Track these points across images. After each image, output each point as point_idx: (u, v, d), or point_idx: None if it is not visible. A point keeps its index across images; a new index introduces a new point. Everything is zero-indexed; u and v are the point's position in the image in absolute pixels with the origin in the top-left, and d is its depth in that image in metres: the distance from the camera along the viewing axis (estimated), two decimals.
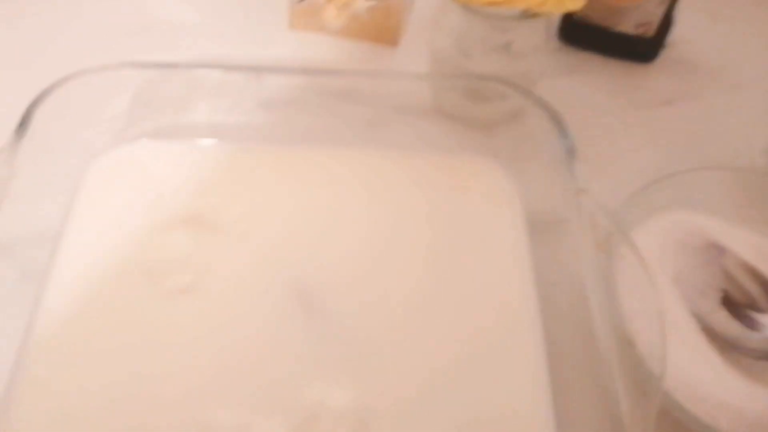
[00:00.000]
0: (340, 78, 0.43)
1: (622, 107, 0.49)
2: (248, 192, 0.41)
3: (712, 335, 0.37)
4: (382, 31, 0.51)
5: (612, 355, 0.33)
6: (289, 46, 0.52)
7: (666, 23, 0.50)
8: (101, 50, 0.50)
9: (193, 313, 0.36)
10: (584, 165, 0.38)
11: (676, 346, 0.35)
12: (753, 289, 0.38)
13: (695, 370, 0.35)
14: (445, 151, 0.44)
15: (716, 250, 0.40)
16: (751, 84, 0.51)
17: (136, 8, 0.53)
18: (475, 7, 0.41)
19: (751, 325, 0.37)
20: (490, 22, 0.42)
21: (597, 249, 0.35)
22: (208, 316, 0.36)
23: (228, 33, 0.52)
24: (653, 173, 0.41)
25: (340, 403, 0.34)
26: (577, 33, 0.51)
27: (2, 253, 0.36)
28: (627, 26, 0.49)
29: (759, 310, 0.38)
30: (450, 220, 0.40)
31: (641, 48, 0.51)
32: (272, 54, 0.51)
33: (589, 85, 0.50)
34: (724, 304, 0.38)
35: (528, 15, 0.42)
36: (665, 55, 0.52)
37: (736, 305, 0.38)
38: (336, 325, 0.36)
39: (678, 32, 0.51)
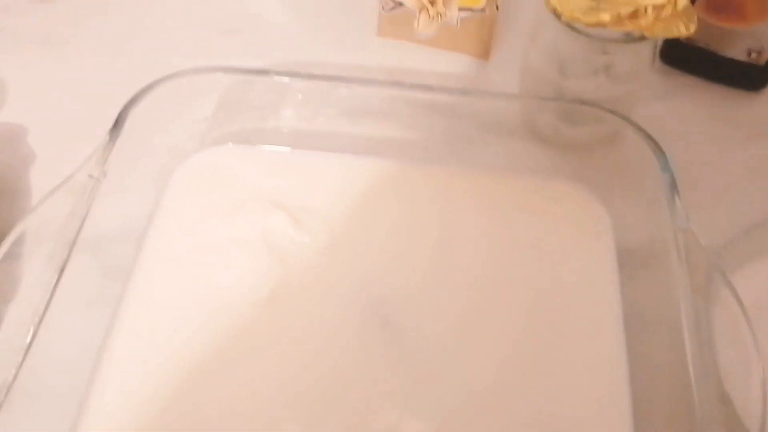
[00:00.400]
0: (429, 93, 0.42)
1: (726, 137, 0.45)
2: (332, 202, 0.40)
3: None
4: (473, 42, 0.50)
5: (705, 409, 0.31)
6: (377, 53, 0.51)
7: None
8: (193, 48, 0.51)
9: (271, 324, 0.35)
10: (684, 199, 0.36)
11: None
12: None
13: None
14: (535, 174, 0.42)
15: None
16: None
17: (230, 6, 0.53)
18: (577, 26, 0.39)
19: None
20: (591, 42, 0.40)
21: (694, 292, 0.33)
22: (286, 328, 0.35)
23: (317, 37, 0.52)
24: (759, 213, 0.39)
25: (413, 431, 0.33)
26: (682, 55, 0.48)
27: (88, 249, 0.36)
28: (737, 52, 0.46)
29: None
30: (538, 246, 0.39)
31: (751, 75, 0.47)
32: (359, 60, 0.51)
33: (692, 112, 0.47)
34: None
35: (633, 38, 0.39)
36: None
37: None
38: (415, 348, 0.35)
39: None
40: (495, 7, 0.48)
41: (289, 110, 0.43)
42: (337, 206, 0.40)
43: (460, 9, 0.48)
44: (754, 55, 0.46)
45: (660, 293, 0.35)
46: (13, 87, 0.47)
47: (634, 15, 0.38)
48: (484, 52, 0.50)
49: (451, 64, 0.51)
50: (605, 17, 0.38)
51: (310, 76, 0.41)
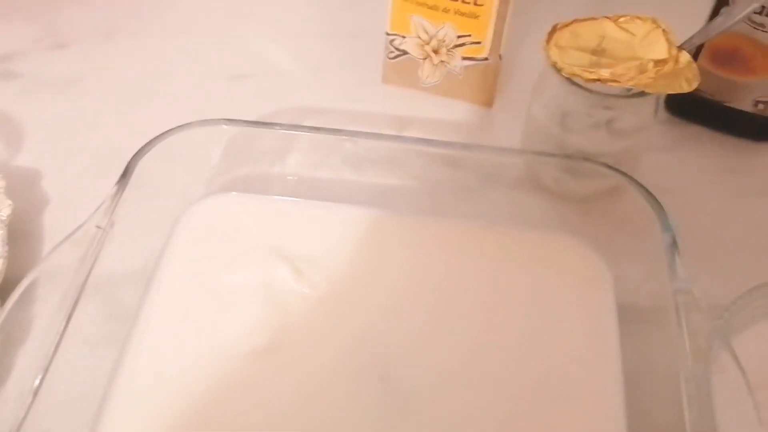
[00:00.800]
0: (431, 147, 0.43)
1: (731, 191, 0.45)
2: (334, 253, 0.41)
3: None
4: (477, 90, 0.51)
5: None
6: (382, 100, 0.52)
7: None
8: (202, 92, 0.52)
9: (270, 375, 0.36)
10: (685, 257, 0.36)
11: None
12: None
13: None
14: (537, 226, 0.42)
15: None
16: None
17: (238, 54, 0.55)
18: (578, 81, 0.40)
19: None
20: (592, 97, 0.40)
21: (694, 355, 0.33)
22: (285, 379, 0.36)
23: (323, 83, 0.53)
24: (763, 273, 0.38)
25: None
26: (687, 106, 0.49)
27: (97, 293, 0.37)
28: (744, 103, 0.46)
29: None
30: (538, 299, 0.39)
31: (757, 127, 0.47)
32: (364, 107, 0.51)
33: (696, 164, 0.47)
34: None
35: (635, 93, 0.40)
36: None
37: None
38: (413, 402, 0.35)
39: None
40: (498, 57, 0.49)
41: (293, 159, 0.44)
42: (339, 257, 0.41)
43: (464, 58, 0.49)
44: (760, 107, 0.46)
45: (660, 351, 0.35)
46: (29, 131, 0.48)
47: (636, 71, 0.38)
48: (488, 100, 0.51)
49: (455, 111, 0.51)
50: (605, 74, 0.39)
51: (315, 129, 0.42)
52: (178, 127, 0.40)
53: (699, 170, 0.47)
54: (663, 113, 0.49)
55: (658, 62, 0.39)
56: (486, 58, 0.48)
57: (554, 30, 0.42)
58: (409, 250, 0.41)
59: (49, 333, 0.34)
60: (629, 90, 0.40)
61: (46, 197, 0.45)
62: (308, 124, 0.49)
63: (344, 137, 0.42)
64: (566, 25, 0.42)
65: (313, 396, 0.35)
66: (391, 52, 0.51)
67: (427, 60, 0.50)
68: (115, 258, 0.37)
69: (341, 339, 0.37)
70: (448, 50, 0.49)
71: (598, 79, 0.39)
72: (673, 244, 0.35)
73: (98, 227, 0.35)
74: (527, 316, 0.38)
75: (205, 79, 0.53)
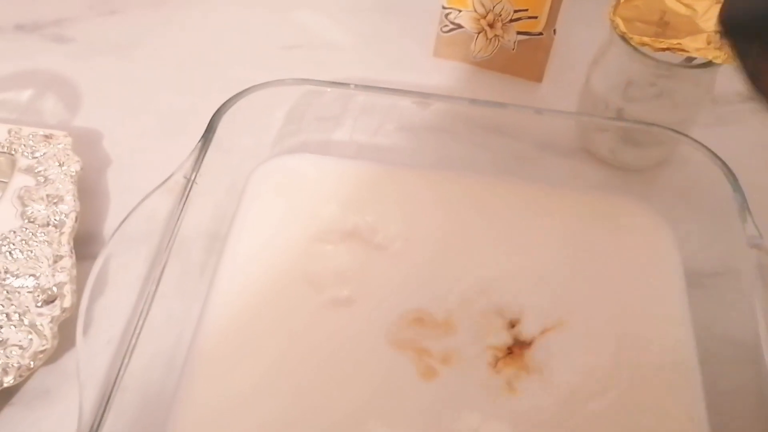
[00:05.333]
0: (495, 109, 0.43)
1: None
2: (402, 212, 0.41)
3: None
4: (527, 65, 0.52)
5: None
6: (433, 74, 0.53)
7: None
8: (258, 61, 0.52)
9: (351, 325, 0.36)
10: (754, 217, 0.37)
11: None
12: None
13: None
14: (597, 191, 0.43)
15: None
16: None
17: (289, 25, 0.55)
18: (645, 50, 0.41)
19: None
20: (659, 67, 0.41)
21: None
22: (366, 330, 0.36)
23: (372, 55, 0.54)
24: None
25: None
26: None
27: (174, 250, 0.37)
28: None
29: None
30: (602, 263, 0.40)
31: None
32: (414, 80, 0.52)
33: (745, 134, 0.49)
34: None
35: (699, 63, 0.41)
36: None
37: None
38: None
39: None
40: (552, 32, 0.50)
41: (355, 123, 0.45)
42: (409, 216, 0.41)
43: (518, 32, 0.50)
44: None
45: (732, 313, 0.36)
46: (86, 94, 0.48)
47: (704, 42, 0.40)
48: (538, 75, 0.52)
49: (504, 85, 0.52)
50: (675, 42, 0.40)
51: (387, 91, 0.42)
52: (260, 85, 0.40)
53: (746, 145, 0.48)
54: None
55: None
56: (541, 33, 0.49)
57: (618, 2, 0.43)
58: (474, 212, 0.42)
59: (132, 285, 0.34)
60: (691, 61, 0.42)
61: (108, 157, 0.45)
62: (364, 95, 0.50)
63: (413, 99, 0.43)
64: (629, 0, 0.43)
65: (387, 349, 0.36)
66: (446, 25, 0.51)
67: (481, 34, 0.51)
68: (188, 216, 0.38)
69: (417, 296, 0.38)
70: (504, 24, 0.50)
71: (668, 48, 0.40)
72: (744, 204, 0.37)
73: (185, 178, 0.36)
74: (594, 279, 0.39)
75: (257, 47, 0.53)
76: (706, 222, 0.40)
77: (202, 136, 0.37)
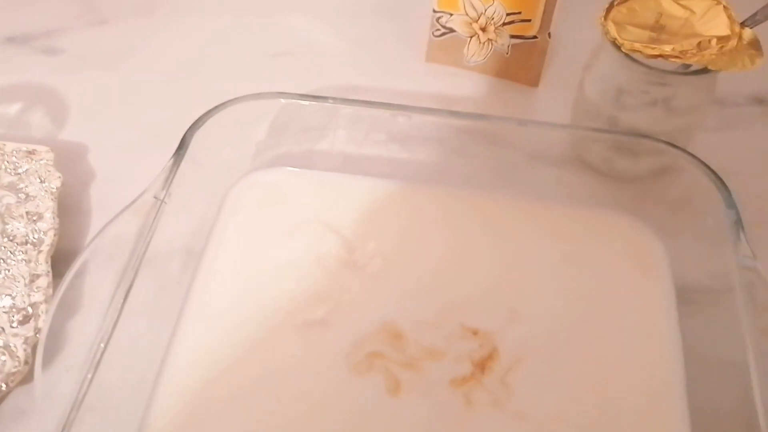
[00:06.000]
0: (480, 121, 0.42)
1: None
2: (381, 228, 0.40)
3: None
4: (522, 70, 0.50)
5: None
6: (425, 79, 0.51)
7: None
8: (245, 69, 0.51)
9: (325, 347, 0.36)
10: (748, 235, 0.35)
11: None
12: None
13: None
14: (587, 204, 0.42)
15: None
16: None
17: (281, 31, 0.54)
18: (636, 57, 0.39)
19: None
20: (650, 74, 0.40)
21: (762, 334, 0.32)
22: (339, 351, 0.36)
23: (364, 61, 0.53)
24: None
25: None
26: None
27: (148, 265, 0.36)
28: None
29: None
30: (590, 278, 0.39)
31: None
32: (407, 86, 0.51)
33: (749, 144, 0.46)
34: None
35: (694, 70, 0.39)
36: None
37: None
38: None
39: None
40: (547, 35, 0.48)
41: (338, 134, 0.44)
42: (388, 231, 0.40)
43: (512, 36, 0.48)
44: None
45: (723, 333, 0.34)
46: (74, 106, 0.48)
47: (698, 47, 0.38)
48: (534, 80, 0.51)
49: (500, 90, 0.51)
50: (667, 49, 0.38)
51: (367, 104, 0.41)
52: (234, 99, 0.40)
53: (754, 151, 0.46)
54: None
55: (721, 39, 0.38)
56: (535, 37, 0.48)
57: (611, 6, 0.41)
58: (459, 227, 0.41)
59: (104, 304, 0.34)
60: (688, 67, 0.40)
61: (92, 171, 0.45)
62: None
63: (394, 111, 0.42)
64: (623, 2, 0.41)
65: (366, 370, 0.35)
66: (437, 29, 0.50)
67: (473, 38, 0.49)
68: (163, 231, 0.37)
69: (393, 314, 0.37)
70: (496, 28, 0.48)
71: (660, 55, 0.38)
72: (738, 221, 0.35)
73: (156, 198, 0.35)
74: (581, 295, 0.38)
75: (246, 56, 0.52)
76: (698, 237, 0.38)
77: (174, 154, 0.37)
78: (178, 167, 0.36)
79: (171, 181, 0.36)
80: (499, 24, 0.48)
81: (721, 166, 0.40)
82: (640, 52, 0.39)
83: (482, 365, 0.35)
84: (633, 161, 0.43)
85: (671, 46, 0.38)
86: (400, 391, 0.34)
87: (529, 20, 0.47)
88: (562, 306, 0.38)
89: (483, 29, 0.49)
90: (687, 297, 0.37)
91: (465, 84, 0.51)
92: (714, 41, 0.38)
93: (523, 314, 0.37)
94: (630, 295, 0.38)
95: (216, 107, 0.39)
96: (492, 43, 0.49)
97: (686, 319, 0.37)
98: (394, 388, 0.34)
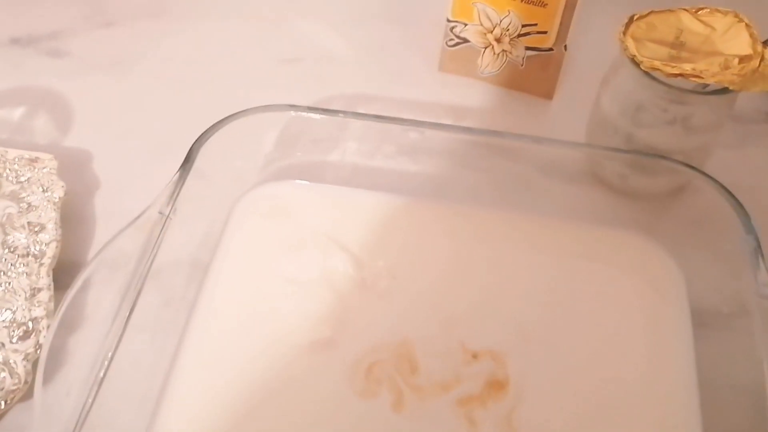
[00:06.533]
0: (493, 138, 0.41)
1: None
2: (391, 245, 0.40)
3: None
4: (537, 82, 0.49)
5: None
6: (438, 89, 0.50)
7: None
8: (255, 75, 0.50)
9: (331, 367, 0.35)
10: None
11: None
12: None
13: None
14: (601, 223, 0.41)
15: None
16: None
17: (290, 38, 0.53)
18: (655, 75, 0.38)
19: None
20: (669, 92, 0.39)
21: None
22: (346, 372, 0.35)
23: (377, 69, 0.52)
24: None
25: None
26: None
27: (152, 279, 0.36)
28: None
29: None
30: (603, 300, 0.38)
31: None
32: (419, 95, 0.50)
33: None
34: None
35: (714, 89, 0.38)
36: None
37: None
38: None
39: None
40: (563, 48, 0.47)
41: (348, 146, 0.43)
42: (397, 248, 0.40)
43: (527, 48, 0.47)
44: None
45: (738, 358, 0.34)
46: (79, 111, 0.47)
47: (719, 67, 0.37)
48: (548, 92, 0.50)
49: (513, 102, 0.50)
50: (687, 69, 0.37)
51: (376, 118, 0.40)
52: (241, 112, 0.39)
53: None
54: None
55: (743, 58, 0.37)
56: (551, 49, 0.47)
57: (631, 21, 0.40)
58: (467, 243, 0.40)
59: (107, 320, 0.33)
60: (707, 85, 0.39)
61: (98, 179, 0.44)
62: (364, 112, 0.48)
63: (405, 126, 0.41)
64: (643, 17, 0.40)
65: (375, 388, 0.34)
66: (451, 39, 0.49)
67: (488, 49, 0.48)
68: (169, 245, 0.37)
69: (404, 333, 0.36)
70: (512, 39, 0.47)
71: (680, 74, 0.37)
72: (757, 248, 0.34)
73: (161, 213, 0.34)
74: (593, 318, 0.37)
75: (256, 62, 0.51)
76: (715, 260, 0.37)
77: (180, 168, 0.36)
78: (183, 182, 0.35)
79: (176, 196, 0.35)
80: (514, 35, 0.47)
81: (738, 184, 0.39)
82: (660, 70, 0.37)
83: (490, 387, 0.34)
84: (649, 180, 0.42)
85: (692, 66, 0.37)
86: (404, 408, 0.33)
87: (545, 32, 0.46)
88: (573, 326, 0.37)
89: (498, 40, 0.48)
90: (702, 320, 0.37)
91: (478, 95, 0.50)
92: (735, 61, 0.37)
93: (533, 335, 0.36)
94: (644, 317, 0.37)
95: (224, 119, 0.38)
96: (507, 55, 0.48)
97: (701, 342, 0.36)
98: (398, 404, 0.34)
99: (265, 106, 0.39)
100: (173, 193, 0.35)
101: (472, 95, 0.50)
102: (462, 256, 0.40)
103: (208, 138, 0.37)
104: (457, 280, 0.38)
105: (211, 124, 0.39)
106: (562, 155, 0.43)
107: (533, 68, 0.48)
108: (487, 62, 0.49)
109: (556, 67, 0.48)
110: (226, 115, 0.40)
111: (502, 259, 0.39)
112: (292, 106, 0.40)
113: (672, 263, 0.38)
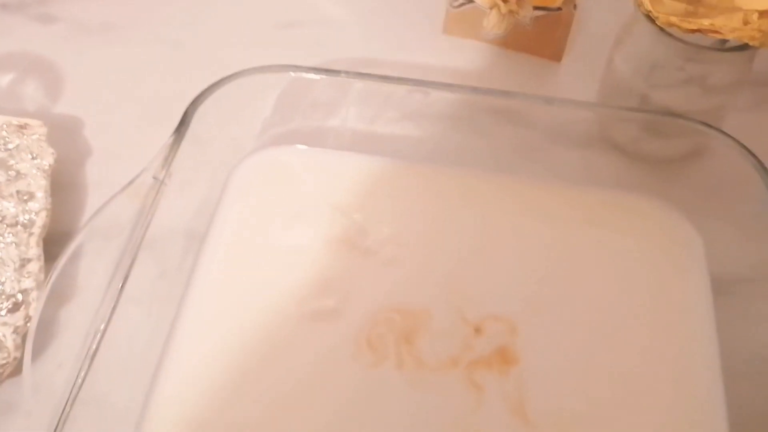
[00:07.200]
0: (502, 98, 0.39)
1: None
2: (396, 212, 0.38)
3: None
4: (545, 43, 0.47)
5: None
6: (442, 53, 0.49)
7: None
8: (251, 40, 0.49)
9: (335, 337, 0.34)
10: None
11: None
12: None
13: None
14: (616, 188, 0.39)
15: None
16: None
17: (290, 2, 0.51)
18: (672, 31, 0.36)
19: None
20: (686, 49, 0.37)
21: None
22: (347, 344, 0.33)
23: (378, 33, 0.50)
24: None
25: None
26: None
27: (147, 249, 0.34)
28: None
29: None
30: (620, 266, 0.36)
31: None
32: (423, 59, 0.48)
33: None
34: None
35: (733, 46, 0.36)
36: None
37: None
38: None
39: None
40: (573, 7, 0.45)
41: (350, 110, 0.41)
42: (401, 214, 0.38)
43: (535, 7, 0.45)
44: None
45: (763, 327, 0.32)
46: (69, 78, 0.46)
47: (739, 22, 0.35)
48: (557, 54, 0.48)
49: (522, 66, 0.48)
50: (706, 24, 0.35)
51: (381, 78, 0.39)
52: (238, 72, 0.37)
53: None
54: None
55: (764, 13, 0.35)
56: (559, 8, 0.45)
57: None
58: (479, 212, 0.38)
59: (100, 291, 0.32)
60: (725, 42, 0.37)
61: (89, 146, 0.42)
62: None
63: (411, 87, 0.39)
64: None
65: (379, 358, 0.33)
66: (456, 0, 0.47)
67: (494, 9, 0.46)
68: (164, 213, 0.35)
69: (411, 301, 0.35)
70: None
71: (698, 30, 0.35)
72: None
73: (155, 178, 0.33)
74: (608, 287, 0.36)
75: (252, 26, 0.49)
76: (736, 224, 0.36)
77: (174, 131, 0.34)
78: (178, 146, 0.34)
79: (171, 161, 0.33)
80: None
81: (755, 147, 0.37)
82: (677, 26, 0.36)
83: (499, 355, 0.33)
84: (664, 142, 0.40)
85: (710, 21, 0.35)
86: (408, 374, 0.32)
87: None
88: (587, 296, 0.35)
89: (504, 0, 0.46)
90: (723, 288, 0.35)
91: (484, 58, 0.48)
92: (756, 15, 0.35)
93: (546, 303, 0.35)
94: (662, 285, 0.36)
95: (220, 81, 0.36)
96: (514, 15, 0.46)
97: (722, 311, 0.34)
98: (401, 366, 0.33)
99: (263, 66, 0.38)
100: (167, 157, 0.33)
101: (477, 59, 0.48)
102: (469, 222, 0.38)
103: (203, 100, 0.36)
104: (465, 246, 0.37)
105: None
106: (573, 117, 0.41)
107: (541, 29, 0.46)
108: (493, 23, 0.47)
109: (566, 27, 0.46)
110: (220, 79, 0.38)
111: (512, 224, 0.38)
112: (292, 66, 0.38)
113: (690, 228, 0.37)
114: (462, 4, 0.47)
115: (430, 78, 0.47)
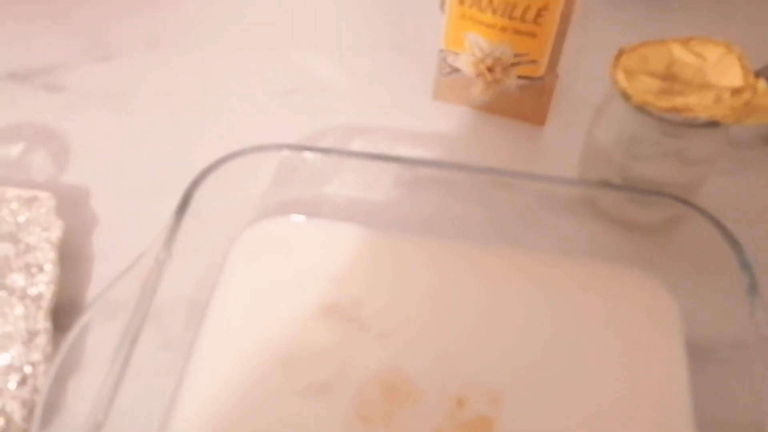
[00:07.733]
0: (488, 174, 0.41)
1: None
2: (391, 284, 0.40)
3: None
4: (529, 109, 0.49)
5: None
6: (432, 118, 0.51)
7: None
8: (253, 107, 0.51)
9: (327, 413, 0.35)
10: (764, 294, 0.34)
11: None
12: None
13: None
14: (596, 257, 0.41)
15: None
16: None
17: (286, 69, 0.53)
18: (649, 109, 0.38)
19: None
20: (663, 125, 0.39)
21: None
22: (342, 418, 0.35)
23: (373, 99, 0.52)
24: None
25: None
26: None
27: (152, 319, 0.36)
28: None
29: None
30: (598, 334, 0.38)
31: None
32: (414, 124, 0.50)
33: (763, 187, 0.45)
34: None
35: (709, 122, 0.38)
36: None
37: None
38: None
39: None
40: (555, 76, 0.47)
41: (345, 180, 0.43)
42: (399, 288, 0.39)
43: (519, 77, 0.48)
44: None
45: (737, 393, 0.34)
46: (76, 147, 0.48)
47: (712, 100, 0.37)
48: (541, 119, 0.50)
49: (507, 129, 0.50)
50: (679, 103, 0.37)
51: (373, 157, 0.41)
52: (234, 153, 0.39)
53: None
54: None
55: (735, 91, 0.37)
56: (542, 78, 0.47)
57: (621, 54, 0.40)
58: (471, 283, 0.40)
59: (105, 362, 0.33)
60: (699, 119, 0.39)
61: (96, 216, 0.44)
62: (359, 143, 0.49)
63: (401, 165, 0.41)
64: (634, 49, 0.40)
65: None
66: (444, 68, 0.49)
67: (480, 77, 0.49)
68: (167, 286, 0.37)
69: (402, 375, 0.36)
70: (504, 68, 0.47)
71: (673, 108, 0.37)
72: (753, 285, 0.34)
73: (158, 259, 0.34)
74: (588, 352, 0.37)
75: (253, 94, 0.52)
76: (714, 293, 0.37)
77: (175, 211, 0.36)
78: (180, 226, 0.36)
79: (172, 242, 0.35)
80: (506, 65, 0.47)
81: (735, 211, 0.39)
82: (652, 104, 0.38)
83: (484, 423, 0.35)
84: (646, 211, 0.41)
85: (683, 99, 0.37)
86: None
87: (536, 61, 0.46)
88: (568, 361, 0.37)
89: (490, 69, 0.48)
90: (700, 354, 0.37)
91: (472, 122, 0.51)
92: (728, 94, 0.37)
93: (528, 370, 0.36)
94: (640, 351, 0.37)
95: (217, 161, 0.38)
96: (499, 83, 0.48)
97: (699, 377, 0.36)
98: None
99: (259, 146, 0.40)
100: (168, 238, 0.35)
101: (465, 122, 0.50)
102: (458, 293, 0.39)
103: (202, 180, 0.37)
104: (454, 317, 0.38)
105: (209, 157, 0.39)
106: (558, 186, 0.43)
107: (526, 96, 0.49)
108: (480, 90, 0.49)
109: (548, 94, 0.48)
110: (224, 148, 0.40)
111: (498, 294, 0.39)
112: (286, 146, 0.40)
113: (668, 296, 0.38)
114: (450, 73, 0.49)
115: (421, 142, 0.50)
